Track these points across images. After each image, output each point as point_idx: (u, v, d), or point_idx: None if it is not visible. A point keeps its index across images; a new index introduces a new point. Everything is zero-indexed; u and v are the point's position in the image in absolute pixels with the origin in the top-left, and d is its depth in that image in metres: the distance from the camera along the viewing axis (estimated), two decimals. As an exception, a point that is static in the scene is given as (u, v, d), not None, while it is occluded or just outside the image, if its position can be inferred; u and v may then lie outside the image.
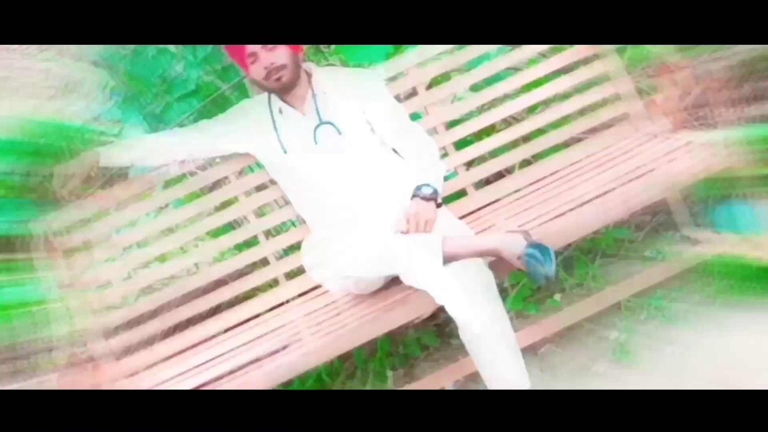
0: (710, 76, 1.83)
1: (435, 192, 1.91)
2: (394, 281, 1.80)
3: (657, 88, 2.06)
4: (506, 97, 2.18)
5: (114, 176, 2.24)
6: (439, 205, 1.94)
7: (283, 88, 1.88)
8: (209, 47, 2.21)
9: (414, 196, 1.90)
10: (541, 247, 1.59)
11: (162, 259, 2.14)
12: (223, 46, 2.04)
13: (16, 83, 2.22)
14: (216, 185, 2.14)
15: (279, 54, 1.82)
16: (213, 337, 2.04)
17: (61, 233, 2.04)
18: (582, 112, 2.10)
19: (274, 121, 1.89)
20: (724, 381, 1.61)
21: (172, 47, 2.23)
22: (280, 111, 1.87)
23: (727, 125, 1.84)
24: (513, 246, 1.61)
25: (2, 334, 2.13)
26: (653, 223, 2.31)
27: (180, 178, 2.09)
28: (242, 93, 2.22)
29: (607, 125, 2.11)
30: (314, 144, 1.86)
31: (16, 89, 2.20)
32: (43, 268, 2.00)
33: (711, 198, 2.13)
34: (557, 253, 1.68)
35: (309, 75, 1.92)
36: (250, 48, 1.84)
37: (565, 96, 2.13)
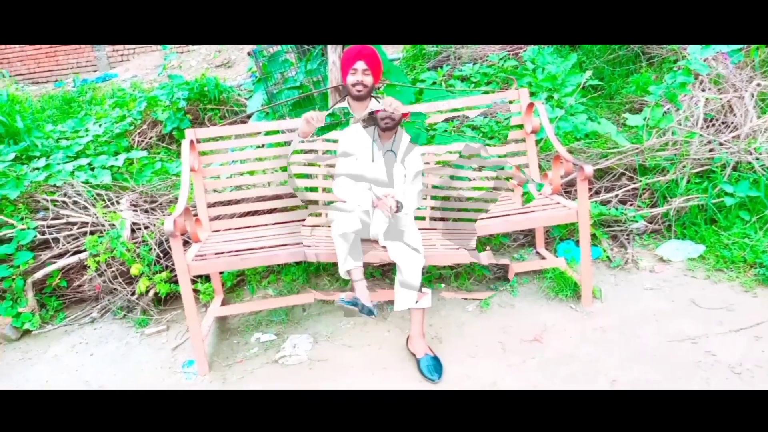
0: (582, 171, 2.30)
1: (401, 204, 2.41)
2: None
3: (551, 168, 2.68)
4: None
5: (239, 119, 3.06)
6: (397, 210, 2.39)
7: (358, 98, 2.50)
8: (314, 64, 2.89)
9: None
10: None
11: (251, 173, 2.84)
12: (342, 56, 2.49)
13: (200, 55, 3.06)
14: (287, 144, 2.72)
15: (367, 79, 2.51)
16: (266, 225, 2.72)
17: (200, 141, 2.70)
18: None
19: (372, 144, 2.49)
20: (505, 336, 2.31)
21: (292, 59, 2.93)
22: (374, 140, 2.51)
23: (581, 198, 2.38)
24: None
25: (149, 187, 3.01)
26: (523, 239, 3.07)
27: (275, 132, 2.74)
28: (324, 97, 2.90)
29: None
30: (378, 158, 2.50)
31: (199, 57, 3.03)
32: (185, 157, 2.53)
33: (559, 236, 2.95)
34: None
35: (396, 132, 2.48)
36: (357, 66, 2.44)
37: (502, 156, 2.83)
